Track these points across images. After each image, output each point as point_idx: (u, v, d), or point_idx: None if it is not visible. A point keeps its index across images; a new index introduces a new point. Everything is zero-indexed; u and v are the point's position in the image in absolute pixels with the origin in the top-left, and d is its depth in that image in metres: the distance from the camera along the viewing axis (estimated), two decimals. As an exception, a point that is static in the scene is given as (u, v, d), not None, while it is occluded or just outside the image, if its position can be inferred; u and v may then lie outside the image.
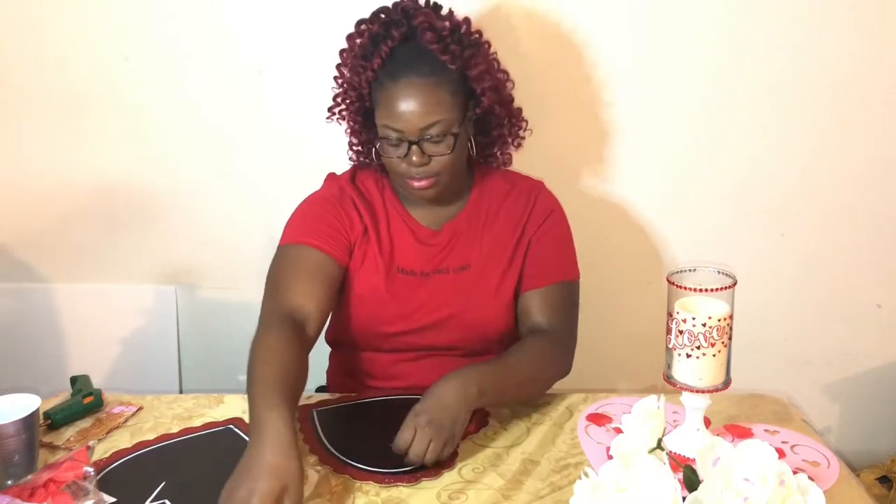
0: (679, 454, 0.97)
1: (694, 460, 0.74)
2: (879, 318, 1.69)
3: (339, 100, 1.23)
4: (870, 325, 1.69)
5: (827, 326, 1.70)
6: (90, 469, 0.95)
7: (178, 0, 1.55)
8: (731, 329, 0.96)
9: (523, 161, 1.34)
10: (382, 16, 1.16)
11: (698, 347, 0.94)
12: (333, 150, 1.37)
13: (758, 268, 1.63)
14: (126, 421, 1.15)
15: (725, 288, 0.94)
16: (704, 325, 0.93)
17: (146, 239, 1.71)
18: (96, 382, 1.21)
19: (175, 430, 1.12)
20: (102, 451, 1.06)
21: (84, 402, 1.16)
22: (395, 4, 1.17)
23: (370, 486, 0.97)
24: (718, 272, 0.97)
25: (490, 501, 0.94)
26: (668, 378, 0.99)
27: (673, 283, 0.96)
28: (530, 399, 1.19)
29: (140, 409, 1.19)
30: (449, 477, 0.99)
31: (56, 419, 1.13)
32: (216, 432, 1.11)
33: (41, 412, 1.04)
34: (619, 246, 1.66)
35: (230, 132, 1.63)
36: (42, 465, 1.01)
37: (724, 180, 1.61)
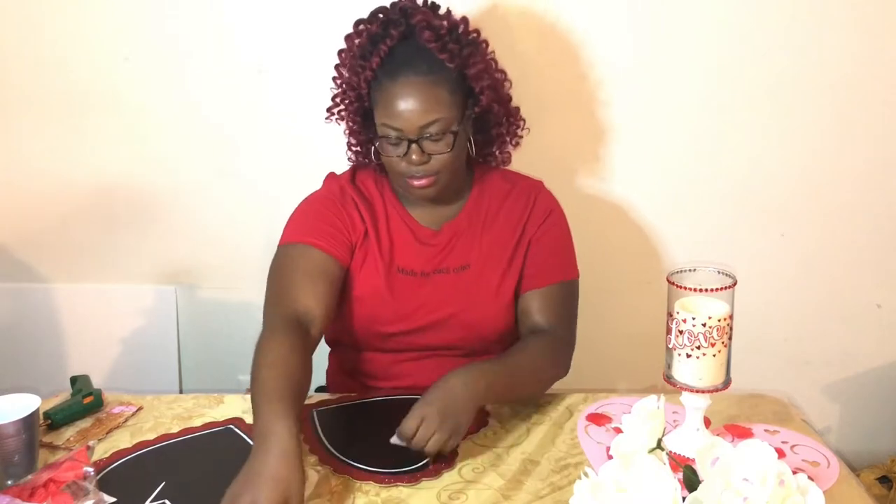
0: (679, 454, 0.97)
1: (694, 460, 0.74)
2: (879, 318, 1.69)
3: (337, 100, 1.23)
4: (870, 325, 1.69)
5: (827, 326, 1.70)
6: (90, 469, 0.95)
7: (178, 0, 1.55)
8: (731, 329, 0.96)
9: (524, 161, 1.34)
10: (380, 15, 1.16)
11: (698, 347, 0.94)
12: (333, 150, 1.37)
13: (758, 268, 1.63)
14: (126, 421, 1.15)
15: (725, 288, 0.94)
16: (704, 325, 0.93)
17: (146, 239, 1.71)
18: (96, 382, 1.21)
19: (175, 430, 1.12)
20: (102, 451, 1.06)
21: (84, 402, 1.16)
22: (393, 4, 1.17)
23: (370, 486, 0.97)
24: (718, 272, 0.97)
25: (490, 501, 0.94)
26: (668, 378, 0.99)
27: (673, 283, 0.96)
28: (530, 398, 1.19)
29: (140, 409, 1.19)
30: (449, 477, 0.99)
31: (56, 419, 1.13)
32: (216, 432, 1.11)
33: (41, 412, 1.04)
34: (619, 246, 1.66)
35: (230, 132, 1.63)
36: (42, 465, 1.01)
37: (724, 180, 1.61)
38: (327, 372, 1.39)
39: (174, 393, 1.64)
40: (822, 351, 1.72)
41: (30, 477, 0.94)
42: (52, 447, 1.08)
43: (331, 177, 1.29)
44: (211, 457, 1.05)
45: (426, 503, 0.94)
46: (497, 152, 1.29)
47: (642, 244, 1.66)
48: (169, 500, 0.94)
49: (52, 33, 1.59)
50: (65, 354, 1.77)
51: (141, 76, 1.60)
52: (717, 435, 0.99)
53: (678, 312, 0.95)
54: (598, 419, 1.13)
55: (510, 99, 1.25)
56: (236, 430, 1.11)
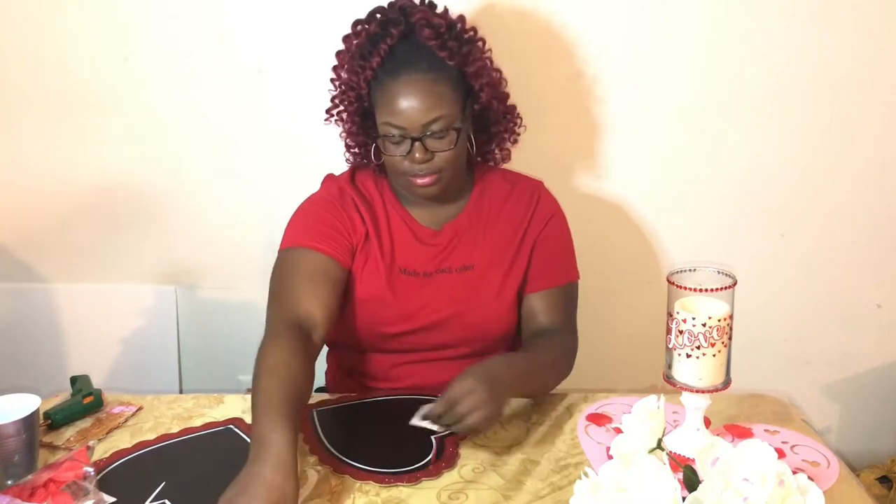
0: (679, 454, 0.97)
1: (694, 460, 0.74)
2: (879, 318, 1.69)
3: (336, 101, 1.23)
4: (870, 325, 1.69)
5: (827, 326, 1.70)
6: (90, 469, 0.95)
7: (178, 0, 1.55)
8: (731, 329, 0.96)
9: (524, 161, 1.34)
10: (378, 15, 1.16)
11: (698, 347, 0.94)
12: (333, 151, 1.36)
13: (758, 268, 1.63)
14: (126, 421, 1.15)
15: (725, 288, 0.94)
16: (704, 325, 0.93)
17: (146, 239, 1.71)
18: (96, 382, 1.21)
19: (175, 430, 1.12)
20: (102, 451, 1.06)
21: (84, 402, 1.16)
22: (391, 3, 1.17)
23: (370, 486, 0.97)
24: (718, 272, 0.97)
25: (490, 501, 0.94)
26: (668, 378, 0.99)
27: (673, 283, 0.96)
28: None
29: (140, 409, 1.19)
30: (449, 477, 0.99)
31: (56, 419, 1.13)
32: (216, 432, 1.11)
33: (41, 412, 1.04)
34: (619, 246, 1.66)
35: (230, 132, 1.63)
36: (42, 465, 1.01)
37: (724, 180, 1.61)
38: (326, 373, 1.39)
39: (174, 393, 1.64)
40: (822, 351, 1.72)
41: (30, 477, 0.94)
42: (52, 447, 1.08)
43: (329, 178, 1.29)
44: (211, 457, 1.05)
45: (426, 503, 0.94)
46: (496, 150, 1.29)
47: (642, 244, 1.66)
48: (169, 500, 0.94)
49: (52, 33, 1.59)
50: (65, 354, 1.77)
51: (141, 76, 1.60)
52: (717, 435, 0.99)
53: (678, 312, 0.95)
54: (598, 419, 1.13)
55: (508, 96, 1.26)
56: (236, 430, 1.11)
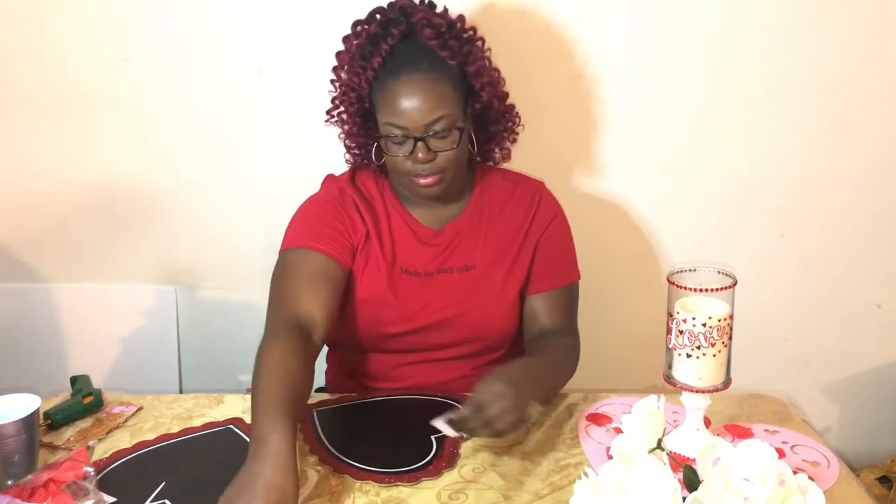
0: (679, 454, 0.97)
1: (694, 460, 0.74)
2: (879, 318, 1.69)
3: (337, 102, 1.23)
4: (870, 325, 1.69)
5: (827, 326, 1.70)
6: (90, 469, 0.95)
7: (178, 0, 1.55)
8: (731, 329, 0.96)
9: (524, 160, 1.34)
10: (378, 16, 1.16)
11: (698, 347, 0.94)
12: (333, 151, 1.36)
13: (758, 268, 1.63)
14: (126, 421, 1.15)
15: (725, 288, 0.94)
16: (704, 325, 0.93)
17: (146, 239, 1.71)
18: (96, 382, 1.21)
19: (175, 430, 1.12)
20: (102, 451, 1.06)
21: (84, 402, 1.16)
22: (391, 4, 1.17)
23: (370, 486, 0.97)
24: (718, 272, 0.97)
25: (490, 501, 0.94)
26: (668, 378, 0.99)
27: (673, 283, 0.96)
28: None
29: (140, 409, 1.19)
30: (449, 477, 0.99)
31: (56, 419, 1.13)
32: (216, 432, 1.11)
33: (41, 412, 1.04)
34: (619, 246, 1.66)
35: (230, 132, 1.63)
36: (42, 465, 1.01)
37: (724, 180, 1.61)
38: (326, 373, 1.39)
39: (174, 393, 1.64)
40: (822, 351, 1.72)
41: (30, 477, 0.94)
42: (52, 447, 1.08)
43: (329, 178, 1.29)
44: (211, 457, 1.05)
45: (426, 503, 0.94)
46: (496, 149, 1.29)
47: (642, 244, 1.66)
48: (169, 500, 0.94)
49: (52, 33, 1.59)
50: (65, 354, 1.77)
51: (141, 76, 1.60)
52: (718, 435, 0.99)
53: (678, 312, 0.95)
54: (598, 419, 1.13)
55: (507, 96, 1.26)
56: (236, 430, 1.11)
